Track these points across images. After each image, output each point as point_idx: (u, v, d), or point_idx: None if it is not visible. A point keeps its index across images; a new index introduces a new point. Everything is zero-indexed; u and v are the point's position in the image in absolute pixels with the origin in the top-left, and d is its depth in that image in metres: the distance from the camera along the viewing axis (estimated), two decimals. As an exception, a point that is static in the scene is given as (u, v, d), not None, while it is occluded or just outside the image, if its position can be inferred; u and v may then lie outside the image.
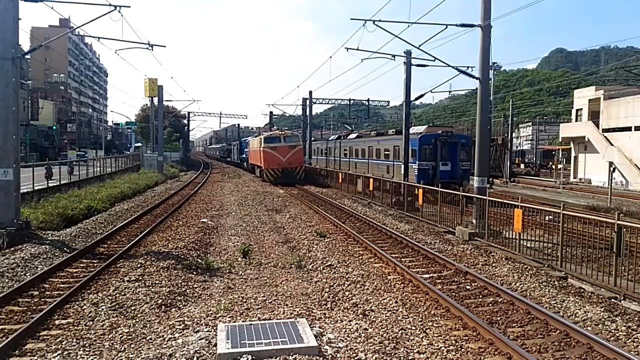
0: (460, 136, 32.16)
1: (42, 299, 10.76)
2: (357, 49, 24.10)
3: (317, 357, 7.25)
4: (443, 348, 7.95)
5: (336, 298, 10.66)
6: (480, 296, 11.05)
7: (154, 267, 13.15)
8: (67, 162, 36.75)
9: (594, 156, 46.13)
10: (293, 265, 13.78)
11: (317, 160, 56.74)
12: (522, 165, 74.87)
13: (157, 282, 11.88)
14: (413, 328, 8.79)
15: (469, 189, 24.61)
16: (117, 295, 10.82)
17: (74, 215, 21.55)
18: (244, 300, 10.37)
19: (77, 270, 13.39)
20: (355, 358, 7.37)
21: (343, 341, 7.95)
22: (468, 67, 20.92)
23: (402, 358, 7.50)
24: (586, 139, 48.21)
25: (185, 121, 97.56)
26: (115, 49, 55.84)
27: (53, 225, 19.07)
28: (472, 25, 19.05)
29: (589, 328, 9.01)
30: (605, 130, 45.91)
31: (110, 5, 18.71)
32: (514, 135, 68.75)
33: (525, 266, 13.50)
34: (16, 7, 16.65)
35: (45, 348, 8.11)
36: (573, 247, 13.60)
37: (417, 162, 30.01)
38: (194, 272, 13.05)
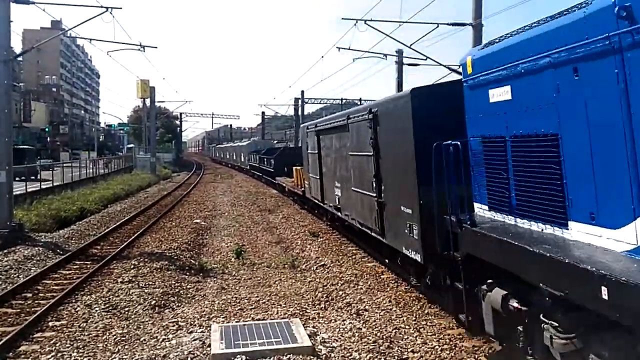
0: None
1: (36, 301, 10.75)
2: (349, 49, 24.16)
3: (311, 357, 7.27)
4: (437, 347, 7.97)
5: (330, 298, 10.67)
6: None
7: (148, 269, 13.15)
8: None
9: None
10: (286, 265, 13.79)
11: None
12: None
13: (150, 283, 11.87)
14: (407, 327, 8.81)
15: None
16: (111, 296, 10.81)
17: (67, 217, 21.52)
18: (238, 301, 10.38)
19: (70, 272, 13.37)
20: (349, 357, 7.39)
21: (337, 341, 7.97)
22: (460, 66, 21.03)
23: (396, 357, 7.53)
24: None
25: (178, 122, 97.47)
26: (107, 50, 55.74)
27: (46, 227, 19.04)
28: (463, 24, 19.13)
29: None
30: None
31: (101, 6, 18.71)
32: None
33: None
34: (7, 9, 16.61)
35: (39, 350, 8.11)
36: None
37: None
38: (188, 273, 13.05)
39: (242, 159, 58.35)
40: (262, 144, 57.72)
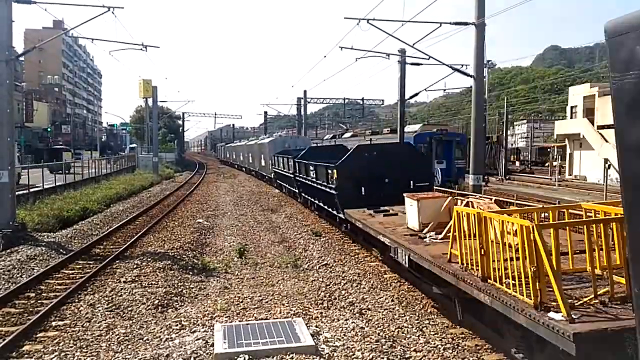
0: (455, 134, 32.33)
1: (39, 301, 10.75)
2: (352, 48, 24.16)
3: (314, 356, 7.27)
4: (440, 346, 7.97)
5: (332, 297, 10.68)
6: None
7: (150, 268, 13.15)
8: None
9: (589, 153, 46.19)
10: (289, 265, 13.79)
11: None
12: (517, 163, 75.03)
13: (153, 282, 11.88)
14: (409, 326, 8.81)
15: (464, 187, 24.66)
16: (114, 296, 10.82)
17: (70, 216, 21.51)
18: (241, 300, 10.39)
19: (73, 271, 13.39)
20: (352, 357, 7.39)
21: (340, 340, 7.97)
22: (462, 65, 21.10)
23: (398, 356, 7.52)
24: (581, 136, 48.26)
25: (180, 122, 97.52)
26: (109, 50, 55.75)
27: (49, 227, 19.03)
28: (466, 24, 19.12)
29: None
30: (600, 127, 45.93)
31: (103, 6, 18.71)
32: (508, 132, 68.91)
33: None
34: (9, 9, 16.62)
35: (42, 350, 8.12)
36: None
37: None
38: (190, 273, 13.06)
39: (262, 163, 40.34)
40: (293, 140, 38.69)
